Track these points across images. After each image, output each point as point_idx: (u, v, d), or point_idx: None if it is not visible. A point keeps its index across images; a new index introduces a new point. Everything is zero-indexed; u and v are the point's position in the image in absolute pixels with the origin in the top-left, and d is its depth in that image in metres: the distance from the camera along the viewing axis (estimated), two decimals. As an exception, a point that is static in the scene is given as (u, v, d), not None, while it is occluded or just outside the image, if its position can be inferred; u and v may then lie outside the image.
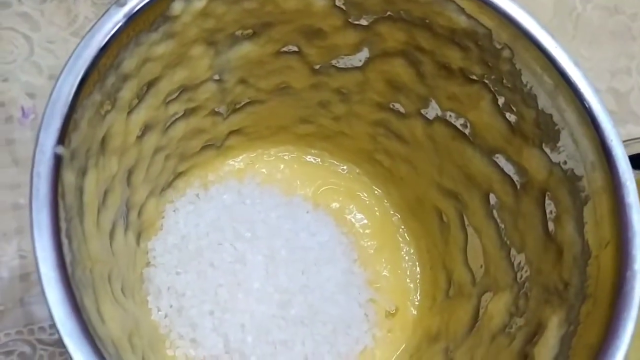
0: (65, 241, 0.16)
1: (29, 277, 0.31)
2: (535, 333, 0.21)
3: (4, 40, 0.35)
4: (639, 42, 0.43)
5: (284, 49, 0.25)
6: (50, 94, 0.17)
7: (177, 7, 0.20)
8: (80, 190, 0.18)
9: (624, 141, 0.32)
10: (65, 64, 0.17)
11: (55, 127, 0.16)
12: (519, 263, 0.24)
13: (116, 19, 0.18)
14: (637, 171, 0.29)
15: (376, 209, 0.32)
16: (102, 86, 0.19)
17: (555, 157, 0.22)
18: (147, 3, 0.19)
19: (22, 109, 0.34)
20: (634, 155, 0.30)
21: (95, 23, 0.18)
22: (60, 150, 0.16)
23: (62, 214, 0.16)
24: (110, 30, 0.18)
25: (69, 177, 0.17)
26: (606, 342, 0.18)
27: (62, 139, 0.16)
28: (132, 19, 0.18)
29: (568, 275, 0.21)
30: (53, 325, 0.31)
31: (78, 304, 0.15)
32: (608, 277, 0.19)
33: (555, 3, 0.43)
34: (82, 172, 0.18)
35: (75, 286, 0.15)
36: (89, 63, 0.17)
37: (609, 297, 0.19)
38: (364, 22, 0.24)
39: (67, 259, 0.15)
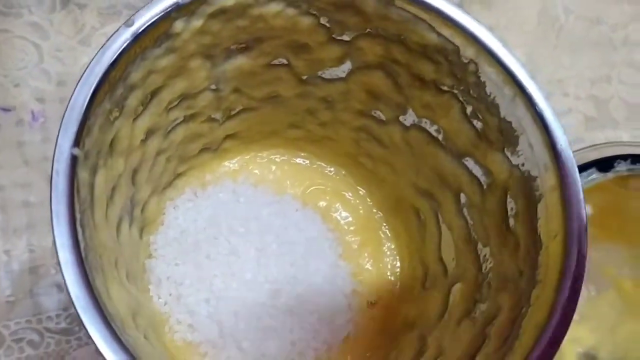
0: (79, 229, 0.18)
1: (37, 270, 0.33)
2: (494, 317, 0.23)
3: (16, 48, 0.37)
4: (620, 52, 0.44)
5: (274, 61, 0.28)
6: (68, 103, 0.19)
7: (178, 26, 0.22)
8: (91, 186, 0.20)
9: (595, 144, 0.34)
10: (81, 77, 0.20)
11: (72, 132, 0.19)
12: (485, 255, 0.26)
13: (125, 37, 0.21)
14: (603, 173, 0.31)
15: (360, 207, 0.33)
16: (111, 96, 0.21)
17: (515, 160, 0.24)
18: (152, 23, 0.21)
19: (32, 112, 0.36)
20: (603, 158, 0.32)
21: (107, 41, 0.20)
22: (76, 151, 0.19)
23: (77, 206, 0.18)
24: (120, 47, 0.20)
25: (82, 174, 0.19)
26: (551, 322, 0.20)
27: (77, 141, 0.19)
28: (139, 37, 0.21)
29: (523, 264, 0.23)
30: (59, 315, 0.33)
31: (91, 283, 0.17)
32: (555, 264, 0.21)
33: (539, 13, 0.44)
34: (94, 171, 0.20)
35: (88, 268, 0.18)
36: (100, 76, 0.20)
37: (556, 283, 0.21)
38: (346, 38, 0.27)
39: (82, 245, 0.18)
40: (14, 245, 0.34)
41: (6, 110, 0.36)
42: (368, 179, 0.33)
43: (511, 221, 0.25)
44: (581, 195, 0.22)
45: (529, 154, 0.24)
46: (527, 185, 0.24)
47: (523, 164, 0.24)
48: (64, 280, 0.17)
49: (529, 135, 0.24)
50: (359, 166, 0.33)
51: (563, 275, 0.21)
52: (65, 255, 0.17)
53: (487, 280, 0.25)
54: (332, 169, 0.34)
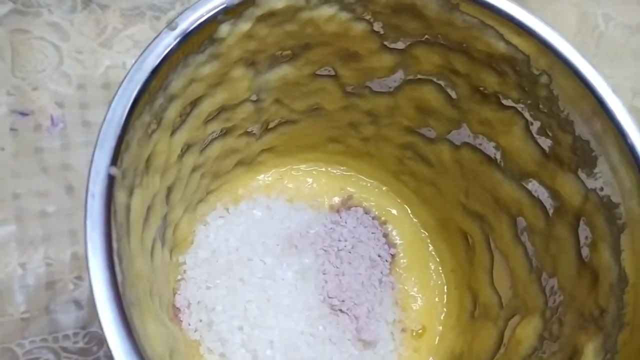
0: (116, 261, 0.16)
1: (54, 285, 0.31)
2: (571, 359, 0.21)
3: (35, 50, 0.35)
4: (662, 62, 0.43)
5: (320, 71, 0.26)
6: (105, 116, 0.17)
7: (224, 30, 0.20)
8: (128, 209, 0.18)
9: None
10: (119, 86, 0.17)
11: (109, 148, 0.17)
12: (552, 287, 0.24)
13: (167, 41, 0.18)
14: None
15: (406, 225, 0.31)
16: (151, 107, 0.19)
17: (591, 183, 0.22)
18: (197, 26, 0.19)
19: (51, 117, 0.34)
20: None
21: (148, 46, 0.18)
22: (114, 170, 0.16)
23: (114, 234, 0.16)
24: (162, 53, 0.18)
25: (120, 196, 0.17)
26: (645, 372, 0.18)
27: (115, 159, 0.17)
28: (183, 41, 0.19)
29: (604, 302, 0.21)
30: (77, 334, 0.31)
31: (130, 325, 0.15)
32: (646, 306, 0.19)
33: (578, 21, 0.43)
34: (130, 191, 0.18)
35: (126, 306, 0.16)
36: (141, 85, 0.18)
37: (648, 327, 0.19)
38: (400, 46, 0.25)
39: (119, 279, 0.16)
40: (30, 258, 0.32)
41: (24, 114, 0.34)
42: (410, 198, 0.31)
43: (585, 251, 0.22)
44: (675, 227, 0.19)
45: (610, 177, 0.21)
46: (606, 212, 0.21)
47: (602, 188, 0.22)
48: (100, 323, 0.15)
49: (610, 156, 0.21)
50: (401, 184, 0.31)
51: (657, 319, 0.18)
52: (102, 293, 0.15)
53: (557, 316, 0.23)
54: (373, 183, 0.32)
